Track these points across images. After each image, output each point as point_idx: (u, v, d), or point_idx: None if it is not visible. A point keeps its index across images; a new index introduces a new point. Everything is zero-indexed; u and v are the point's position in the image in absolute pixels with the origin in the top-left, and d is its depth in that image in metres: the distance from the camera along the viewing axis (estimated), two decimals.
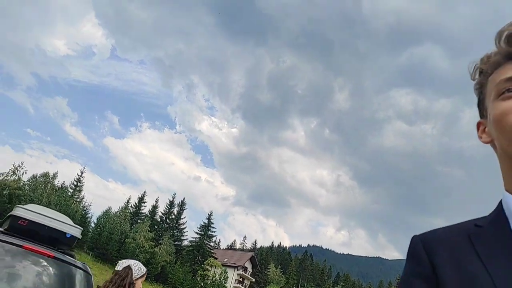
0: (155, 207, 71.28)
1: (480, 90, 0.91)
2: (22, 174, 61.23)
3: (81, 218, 58.82)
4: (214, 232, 72.76)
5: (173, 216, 71.92)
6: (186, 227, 73.65)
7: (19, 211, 4.59)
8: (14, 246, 4.13)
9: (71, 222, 4.88)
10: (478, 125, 0.92)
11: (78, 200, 65.40)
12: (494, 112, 0.81)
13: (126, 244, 59.45)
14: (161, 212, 71.59)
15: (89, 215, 65.84)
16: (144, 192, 75.39)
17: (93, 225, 64.83)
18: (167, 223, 71.02)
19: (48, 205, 50.04)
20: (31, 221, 4.52)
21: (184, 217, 72.50)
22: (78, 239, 4.92)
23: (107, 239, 59.12)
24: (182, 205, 73.07)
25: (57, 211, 5.44)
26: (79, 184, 66.64)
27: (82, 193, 67.64)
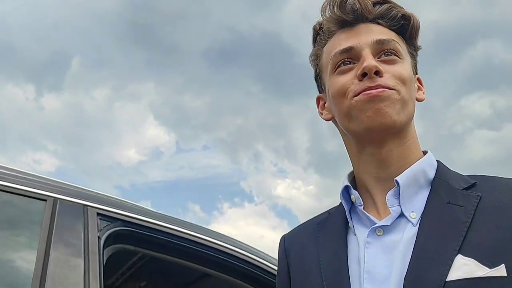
0: None
1: (316, 62, 0.79)
2: None
3: None
4: None
5: None
6: None
7: None
8: None
9: None
10: (318, 100, 0.82)
11: None
12: (332, 87, 0.71)
13: None
14: None
15: None
16: None
17: None
18: None
19: None
20: None
21: None
22: None
23: None
24: None
25: None
26: None
27: None
